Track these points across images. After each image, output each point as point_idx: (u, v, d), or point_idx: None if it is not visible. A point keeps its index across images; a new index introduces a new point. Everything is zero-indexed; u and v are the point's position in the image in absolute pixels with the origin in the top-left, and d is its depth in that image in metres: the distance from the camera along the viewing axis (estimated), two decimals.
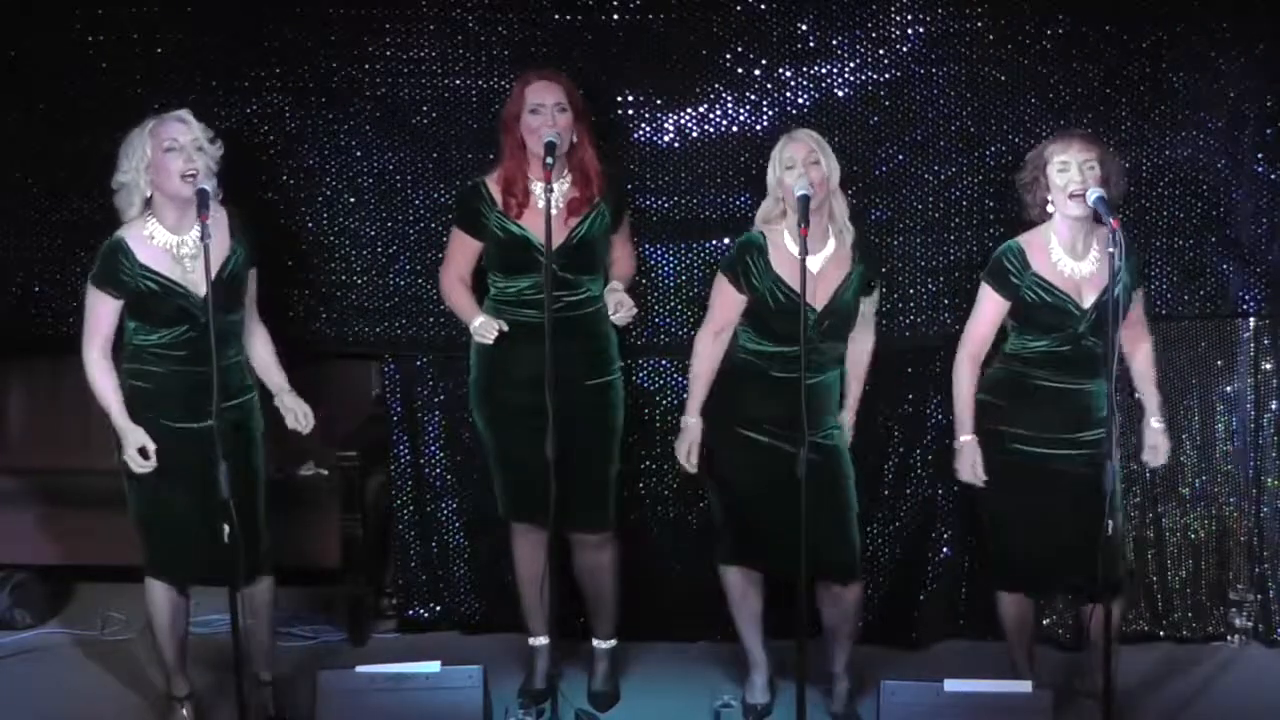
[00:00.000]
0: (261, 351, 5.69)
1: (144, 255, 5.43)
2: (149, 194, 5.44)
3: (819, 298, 5.54)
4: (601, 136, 5.87)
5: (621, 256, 5.83)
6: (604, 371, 5.78)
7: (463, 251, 5.77)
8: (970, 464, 5.57)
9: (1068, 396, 5.49)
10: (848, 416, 5.77)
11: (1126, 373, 5.72)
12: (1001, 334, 5.60)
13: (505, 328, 5.62)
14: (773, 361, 5.60)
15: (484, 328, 5.63)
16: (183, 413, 5.46)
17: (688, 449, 5.70)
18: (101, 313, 5.46)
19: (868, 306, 5.71)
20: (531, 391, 5.49)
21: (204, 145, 5.42)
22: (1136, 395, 5.78)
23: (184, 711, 5.74)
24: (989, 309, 5.56)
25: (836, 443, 5.67)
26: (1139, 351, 5.69)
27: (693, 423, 5.70)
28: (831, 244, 5.59)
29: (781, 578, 5.67)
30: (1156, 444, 5.69)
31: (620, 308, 5.62)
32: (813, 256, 5.47)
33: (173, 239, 5.45)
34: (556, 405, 5.45)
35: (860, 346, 5.74)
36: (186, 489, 5.47)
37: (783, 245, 5.56)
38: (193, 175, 5.35)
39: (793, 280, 5.46)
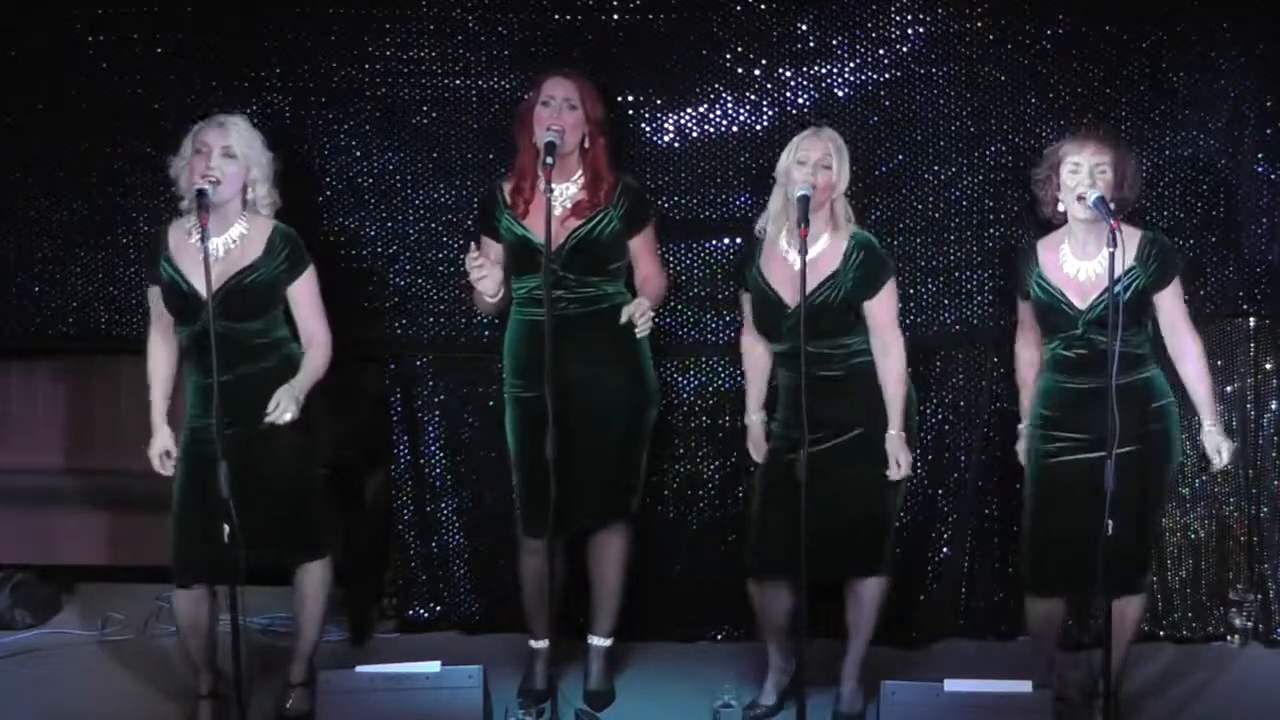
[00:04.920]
0: (309, 356, 5.60)
1: (173, 246, 5.52)
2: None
3: (794, 294, 5.46)
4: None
5: (649, 274, 5.78)
6: (627, 369, 5.77)
7: (489, 255, 5.77)
8: (1023, 449, 5.64)
9: (1093, 399, 5.42)
10: (893, 433, 5.57)
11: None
12: None
13: (478, 261, 5.58)
14: (773, 360, 5.63)
15: (475, 276, 5.59)
16: (206, 420, 5.43)
17: (755, 446, 5.77)
18: (152, 301, 5.62)
19: (878, 314, 5.57)
20: (547, 391, 5.50)
21: (237, 152, 5.46)
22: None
23: (208, 710, 5.71)
24: (1019, 307, 5.66)
25: (870, 442, 5.59)
26: (1184, 358, 5.53)
27: (753, 419, 5.77)
28: (822, 243, 5.56)
29: (813, 581, 5.59)
30: (1218, 446, 5.54)
31: (638, 314, 5.50)
32: (795, 253, 5.45)
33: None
34: (557, 407, 5.47)
35: (882, 361, 5.58)
36: (205, 499, 5.43)
37: (776, 241, 5.57)
38: (213, 181, 5.39)
39: (771, 276, 5.52)
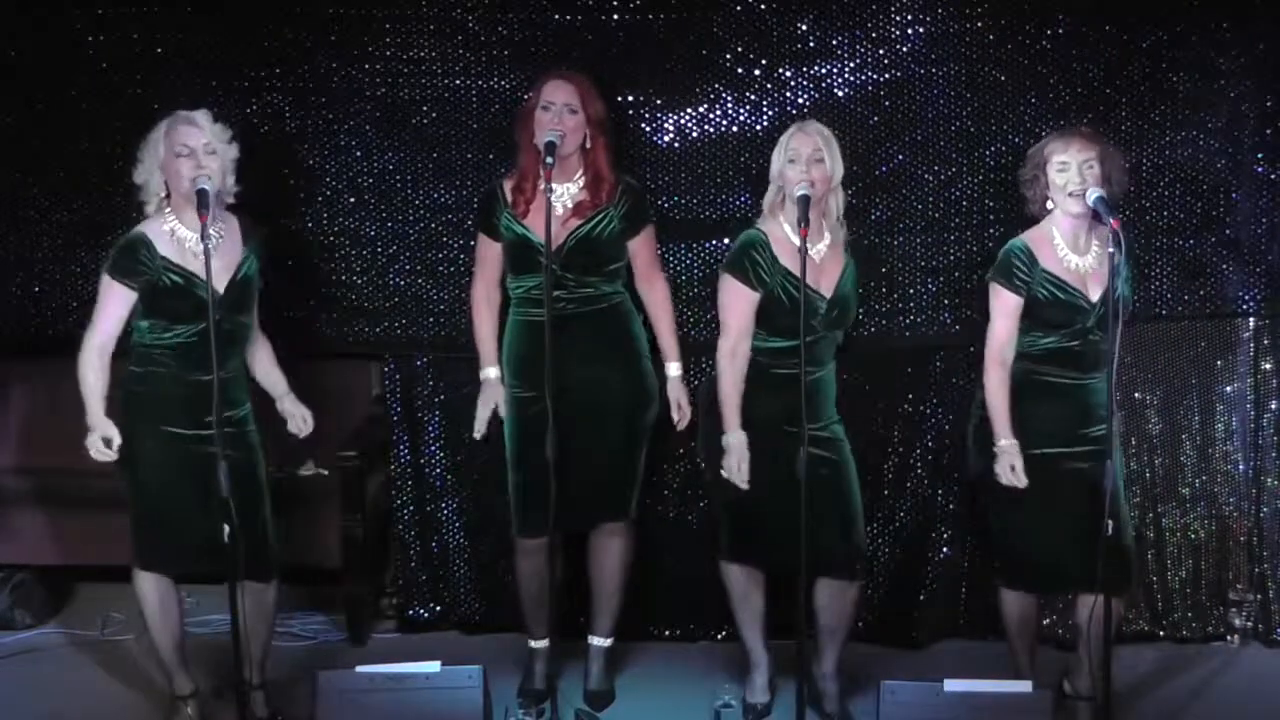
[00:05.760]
0: (263, 357, 5.75)
1: (165, 249, 5.47)
2: (164, 193, 5.47)
3: (824, 287, 5.55)
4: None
5: (649, 277, 5.81)
6: (626, 369, 5.77)
7: (485, 255, 5.81)
8: (1009, 466, 5.47)
9: (1075, 392, 5.47)
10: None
11: (1127, 370, 5.70)
12: None
13: (482, 432, 5.86)
14: (779, 358, 5.57)
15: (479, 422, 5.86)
16: (184, 418, 5.47)
17: (737, 464, 5.56)
18: (114, 305, 5.47)
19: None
20: (546, 391, 5.50)
21: (217, 147, 5.45)
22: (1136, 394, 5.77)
23: (189, 711, 5.73)
24: (1006, 309, 5.50)
25: (841, 436, 5.66)
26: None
27: (736, 439, 5.57)
28: (827, 236, 5.59)
29: (782, 575, 5.67)
30: None
31: (679, 414, 5.86)
32: (813, 248, 5.48)
33: (191, 235, 5.46)
34: (556, 407, 5.48)
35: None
36: (185, 492, 5.49)
37: (783, 238, 5.56)
38: (205, 179, 5.38)
39: (798, 271, 5.44)
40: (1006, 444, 5.50)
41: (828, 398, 5.65)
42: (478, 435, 5.86)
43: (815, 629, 5.74)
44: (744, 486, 5.57)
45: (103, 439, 5.46)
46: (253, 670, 5.66)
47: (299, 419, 5.72)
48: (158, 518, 5.56)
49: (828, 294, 5.56)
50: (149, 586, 5.62)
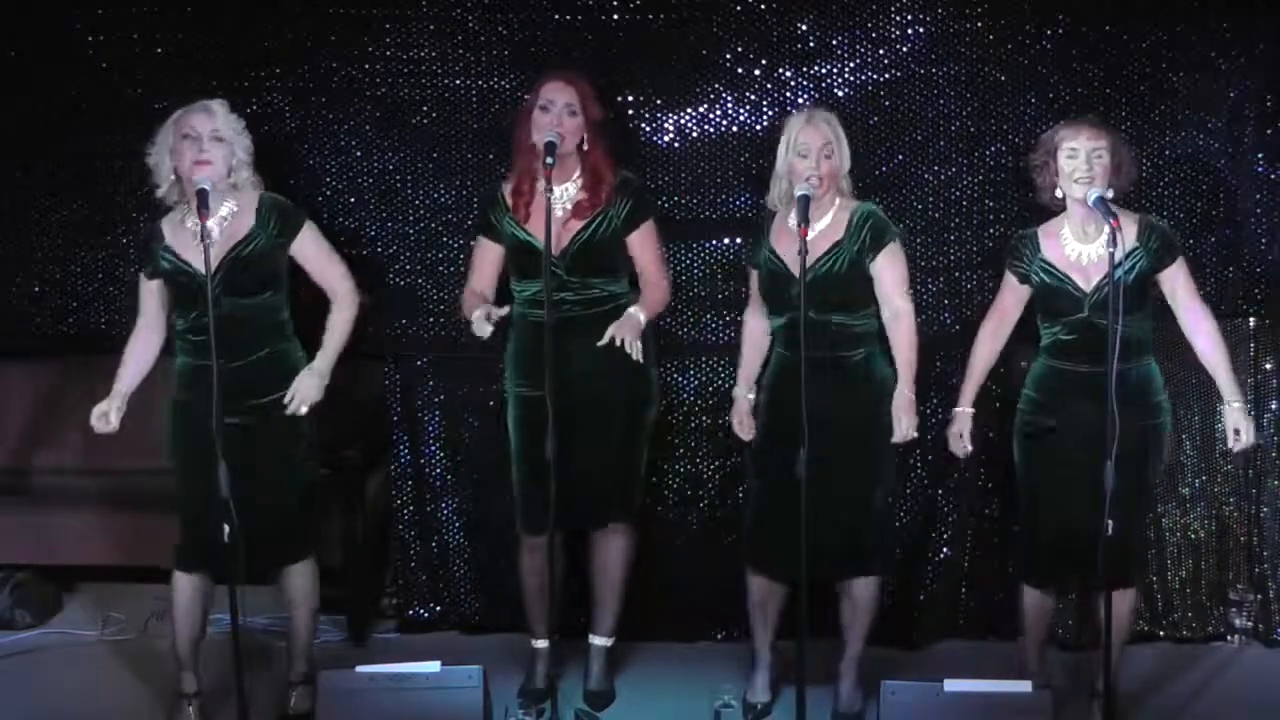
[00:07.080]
0: (331, 318, 5.67)
1: (170, 237, 5.54)
2: (173, 178, 5.51)
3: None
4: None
5: (648, 274, 5.76)
6: (629, 366, 5.77)
7: (483, 258, 5.80)
8: (958, 433, 5.63)
9: (1091, 385, 5.41)
10: (904, 390, 5.58)
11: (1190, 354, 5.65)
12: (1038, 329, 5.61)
13: (493, 320, 5.52)
14: (781, 337, 5.61)
15: (478, 325, 5.55)
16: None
17: (739, 420, 5.76)
18: (143, 294, 5.62)
19: (885, 277, 5.55)
20: (547, 392, 5.50)
21: (225, 136, 5.48)
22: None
23: (191, 710, 5.73)
24: (1005, 289, 5.63)
25: (861, 436, 5.60)
26: (1197, 333, 5.54)
27: (740, 393, 5.77)
28: (826, 219, 5.56)
29: (798, 580, 5.61)
30: (1239, 426, 5.54)
31: (621, 337, 5.51)
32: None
33: (196, 222, 5.45)
34: (558, 407, 5.49)
35: (892, 326, 5.58)
36: (216, 489, 5.45)
37: (785, 217, 5.58)
38: (206, 163, 5.41)
39: (779, 247, 5.53)
40: (960, 410, 5.65)
41: (846, 382, 5.56)
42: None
43: (823, 630, 5.73)
44: (745, 438, 5.76)
45: (101, 410, 5.51)
46: (299, 664, 5.78)
47: (299, 392, 5.53)
48: (191, 516, 5.56)
49: (798, 273, 5.40)
50: (183, 581, 5.62)
